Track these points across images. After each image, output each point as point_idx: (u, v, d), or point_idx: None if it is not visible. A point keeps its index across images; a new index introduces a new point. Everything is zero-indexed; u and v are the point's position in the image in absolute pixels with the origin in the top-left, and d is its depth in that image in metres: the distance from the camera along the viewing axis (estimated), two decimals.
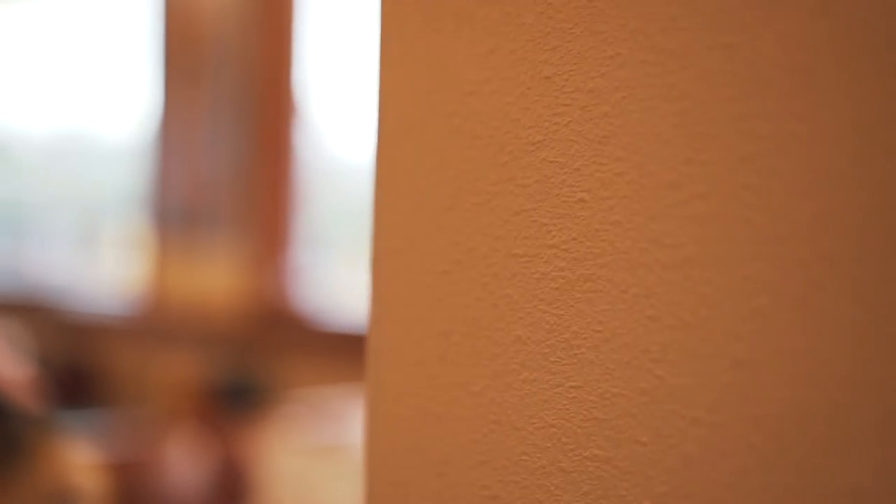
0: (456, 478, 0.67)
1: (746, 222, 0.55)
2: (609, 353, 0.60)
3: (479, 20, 0.66)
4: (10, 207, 5.46)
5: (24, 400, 1.65)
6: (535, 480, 0.63)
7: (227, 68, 3.40)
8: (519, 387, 0.64)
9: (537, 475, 0.63)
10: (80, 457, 1.65)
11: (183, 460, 2.54)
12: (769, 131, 0.54)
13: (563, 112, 0.62)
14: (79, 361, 3.85)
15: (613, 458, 0.60)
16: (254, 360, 3.39)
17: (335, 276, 3.75)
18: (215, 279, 3.52)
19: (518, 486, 0.64)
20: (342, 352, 3.19)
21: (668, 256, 0.58)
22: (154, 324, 3.78)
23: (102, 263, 4.43)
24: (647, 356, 0.58)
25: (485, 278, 0.66)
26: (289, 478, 1.90)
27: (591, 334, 0.61)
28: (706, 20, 0.56)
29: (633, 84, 0.59)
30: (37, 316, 4.03)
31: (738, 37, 0.55)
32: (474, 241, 0.66)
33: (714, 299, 0.56)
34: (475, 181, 0.66)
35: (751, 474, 0.55)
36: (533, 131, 0.63)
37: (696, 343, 0.57)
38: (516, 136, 0.64)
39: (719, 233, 0.56)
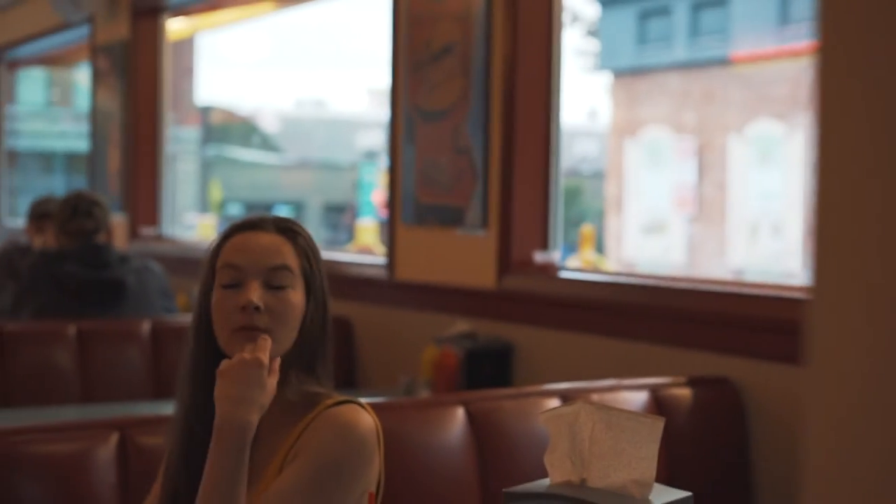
0: None
1: None
2: None
3: None
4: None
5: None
6: None
7: (481, 62, 3.37)
8: None
9: None
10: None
11: (431, 428, 2.55)
12: None
13: None
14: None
15: None
16: (503, 330, 3.39)
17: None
18: (465, 252, 3.52)
19: None
20: (585, 321, 3.15)
21: None
22: (404, 295, 3.81)
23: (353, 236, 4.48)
24: None
25: None
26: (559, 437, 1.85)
27: None
28: None
29: None
30: None
31: None
32: None
33: None
34: None
35: None
36: None
37: None
38: None
39: None
